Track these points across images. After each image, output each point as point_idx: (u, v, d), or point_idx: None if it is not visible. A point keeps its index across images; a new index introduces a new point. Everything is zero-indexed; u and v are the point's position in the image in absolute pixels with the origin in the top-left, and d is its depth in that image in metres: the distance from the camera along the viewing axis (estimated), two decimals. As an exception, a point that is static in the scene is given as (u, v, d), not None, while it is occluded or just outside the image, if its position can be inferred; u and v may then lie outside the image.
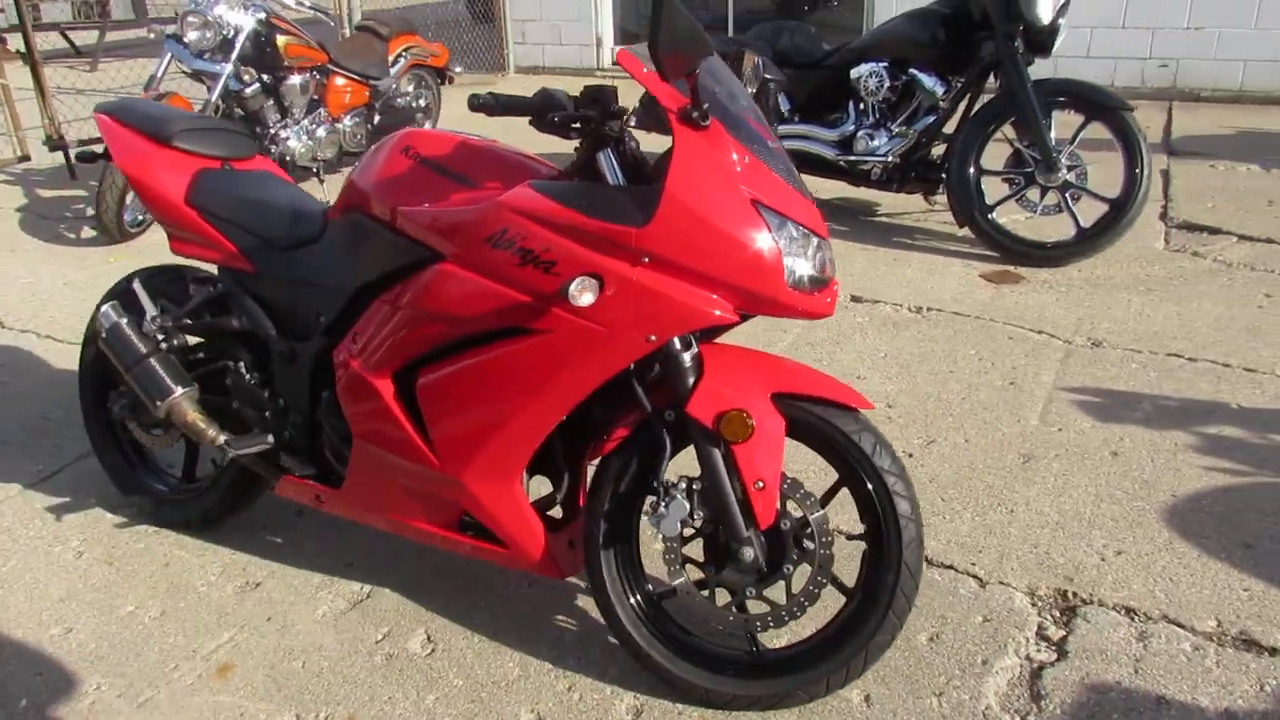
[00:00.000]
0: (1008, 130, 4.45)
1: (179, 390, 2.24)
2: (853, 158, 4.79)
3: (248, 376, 2.27)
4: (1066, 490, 2.64)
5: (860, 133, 4.81)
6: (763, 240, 1.68)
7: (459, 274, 1.83)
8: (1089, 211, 4.29)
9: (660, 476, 1.86)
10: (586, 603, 2.27)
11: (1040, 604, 2.22)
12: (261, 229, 2.21)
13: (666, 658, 1.94)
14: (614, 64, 9.73)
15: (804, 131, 4.98)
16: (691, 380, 1.81)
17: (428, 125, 6.59)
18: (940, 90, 4.59)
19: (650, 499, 1.94)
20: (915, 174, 4.73)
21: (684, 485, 1.85)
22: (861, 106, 4.87)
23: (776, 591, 1.89)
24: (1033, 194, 4.40)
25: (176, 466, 2.69)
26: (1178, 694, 1.95)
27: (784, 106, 5.04)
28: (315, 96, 5.67)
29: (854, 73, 4.80)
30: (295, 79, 5.46)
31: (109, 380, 2.61)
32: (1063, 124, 4.34)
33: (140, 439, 2.54)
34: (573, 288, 1.65)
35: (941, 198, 4.89)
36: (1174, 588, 2.25)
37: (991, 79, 4.52)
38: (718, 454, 1.82)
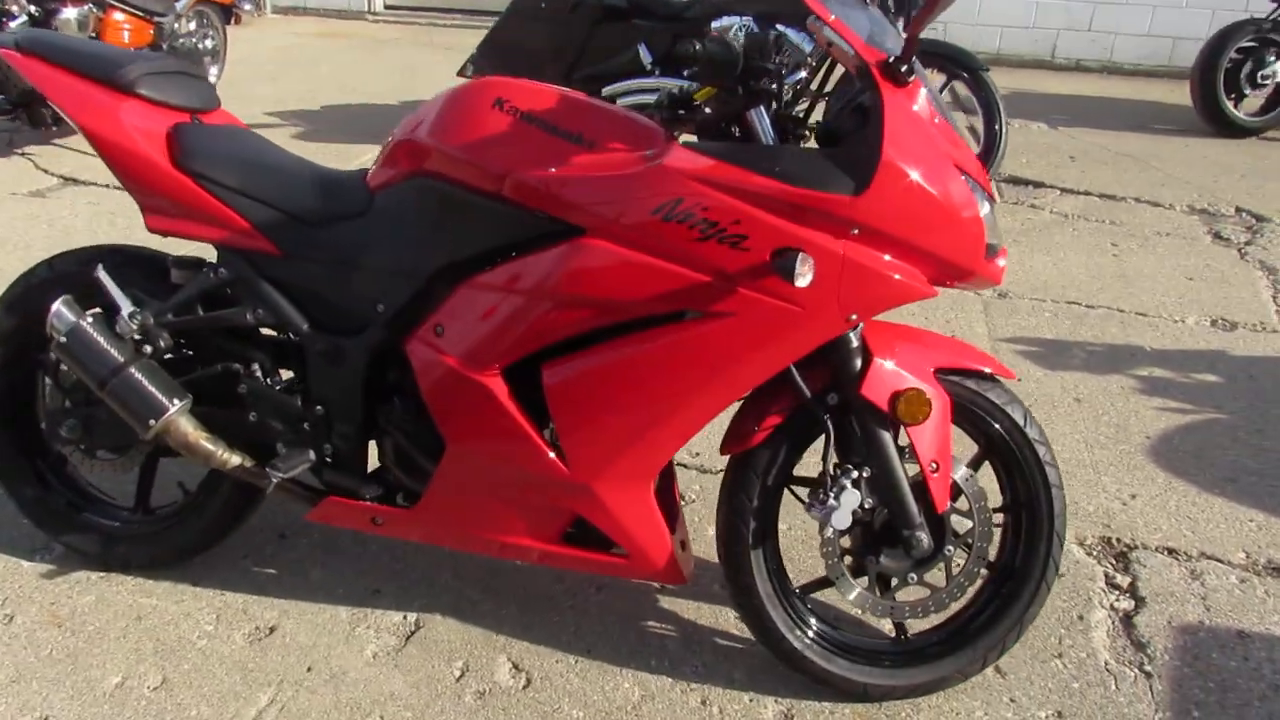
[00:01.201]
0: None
1: (175, 405, 1.79)
2: (724, 114, 4.72)
3: (269, 382, 1.85)
4: (1057, 439, 2.76)
5: (728, 88, 4.75)
6: (970, 208, 1.56)
7: (613, 251, 1.57)
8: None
9: (826, 466, 1.72)
10: (671, 604, 2.08)
11: (1095, 553, 2.30)
12: (284, 201, 1.79)
13: (822, 657, 1.81)
14: (386, 8, 9.07)
15: (669, 85, 4.83)
16: (859, 361, 1.68)
17: (214, 70, 5.80)
18: (808, 46, 4.62)
19: (798, 489, 1.81)
20: (785, 129, 4.74)
21: (854, 473, 1.72)
22: (725, 61, 4.80)
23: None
24: (902, 151, 4.55)
25: (112, 494, 2.18)
26: (1251, 626, 2.09)
27: (645, 59, 4.87)
28: (93, 33, 4.79)
29: (716, 26, 4.73)
30: (70, 12, 4.59)
31: (20, 393, 2.06)
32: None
33: (81, 466, 2.02)
34: (799, 266, 1.45)
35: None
36: (1195, 525, 2.42)
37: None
38: (889, 438, 1.70)
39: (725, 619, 2.05)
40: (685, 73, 1.70)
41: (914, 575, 1.79)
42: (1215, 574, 2.24)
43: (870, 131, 1.52)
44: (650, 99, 4.92)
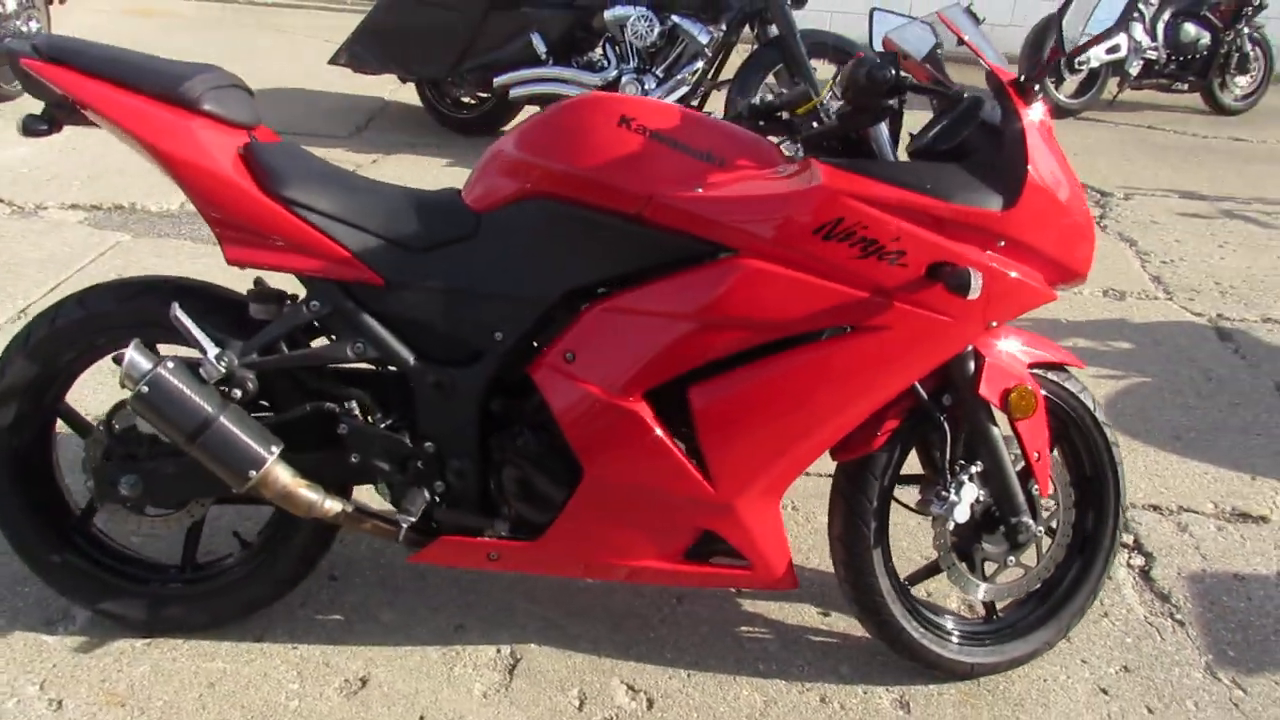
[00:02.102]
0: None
1: (273, 454, 1.65)
2: (625, 103, 4.72)
3: (370, 420, 1.73)
4: (1023, 412, 2.98)
5: (625, 78, 4.75)
6: (1087, 216, 1.68)
7: (772, 271, 1.57)
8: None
9: (944, 464, 1.81)
10: (753, 606, 2.11)
11: (1095, 516, 2.52)
12: (384, 226, 1.67)
13: (935, 643, 1.90)
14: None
15: (565, 76, 4.80)
16: (973, 363, 1.77)
17: (38, 58, 5.19)
18: (704, 38, 4.69)
19: (907, 487, 1.89)
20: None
21: (971, 469, 1.81)
22: (619, 50, 4.80)
23: (1025, 555, 1.94)
24: (800, 138, 4.72)
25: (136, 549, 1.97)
26: (1242, 569, 2.36)
27: (539, 48, 4.79)
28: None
29: (611, 15, 4.71)
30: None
31: (35, 448, 1.83)
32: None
33: (120, 525, 1.82)
34: (973, 280, 1.51)
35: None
36: (1165, 482, 2.69)
37: (747, 29, 4.74)
38: (998, 434, 1.81)
39: (808, 615, 2.11)
40: (836, 93, 1.71)
41: (1012, 558, 1.91)
42: (1197, 525, 2.52)
43: (1009, 147, 1.60)
44: (548, 89, 4.85)
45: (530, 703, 1.84)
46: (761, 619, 2.09)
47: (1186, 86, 6.83)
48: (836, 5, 8.02)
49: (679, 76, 4.72)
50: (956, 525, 1.84)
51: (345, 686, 1.85)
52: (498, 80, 4.86)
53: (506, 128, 5.31)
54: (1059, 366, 1.91)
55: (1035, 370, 1.86)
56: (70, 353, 1.77)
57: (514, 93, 4.88)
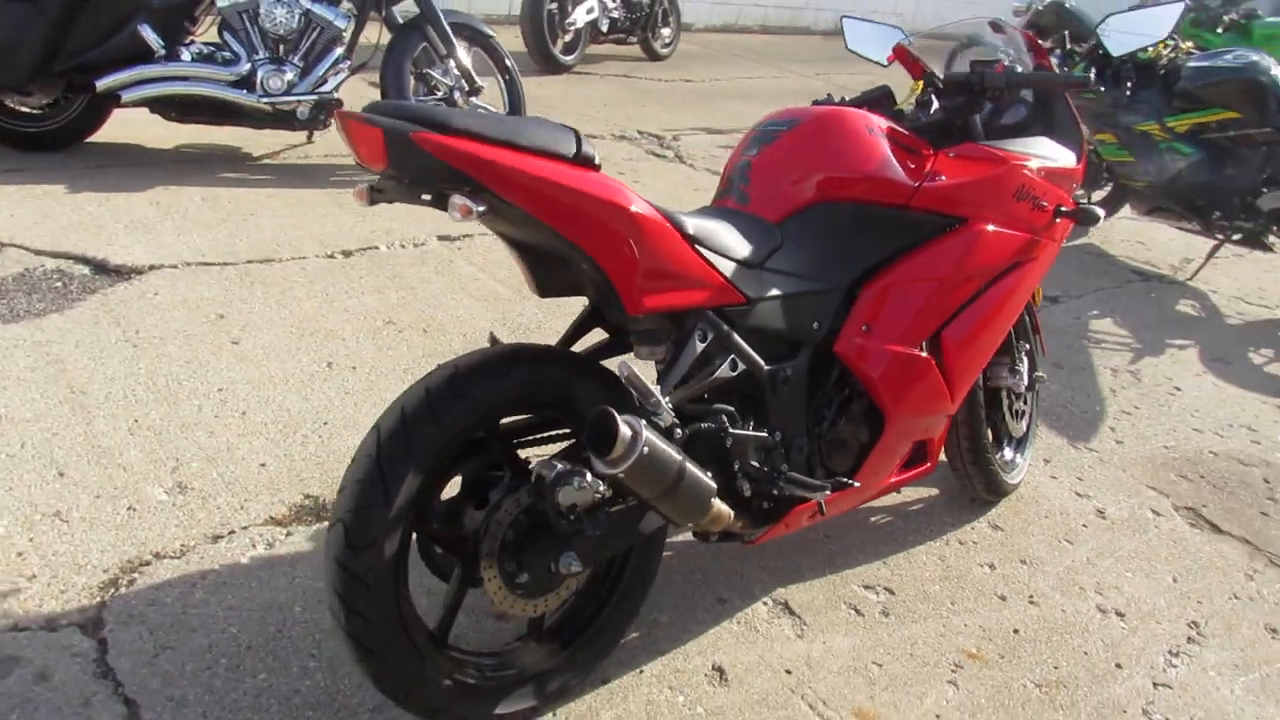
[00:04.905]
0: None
1: (713, 479, 1.76)
2: (275, 98, 4.38)
3: (744, 426, 1.87)
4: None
5: (262, 71, 4.39)
6: (1080, 159, 2.49)
7: (992, 230, 2.12)
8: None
9: (1015, 348, 2.54)
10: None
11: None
12: (732, 248, 1.81)
13: (1008, 476, 2.65)
14: None
15: (191, 73, 4.27)
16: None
17: None
18: (342, 23, 4.53)
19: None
20: (329, 109, 4.62)
21: (1026, 347, 2.57)
22: (243, 40, 4.40)
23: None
24: (451, 117, 4.85)
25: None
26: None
27: (155, 43, 4.16)
28: None
29: (228, 2, 4.30)
30: None
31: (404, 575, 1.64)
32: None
33: (510, 610, 1.72)
34: (1101, 213, 2.22)
35: (323, 133, 4.87)
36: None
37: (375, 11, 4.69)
38: (1026, 318, 2.60)
39: (888, 499, 2.70)
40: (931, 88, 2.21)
41: (1024, 406, 2.73)
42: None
43: (1070, 120, 2.34)
44: (171, 89, 4.31)
45: (828, 626, 2.19)
46: (878, 509, 2.64)
47: (635, 40, 8.16)
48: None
49: (326, 66, 4.49)
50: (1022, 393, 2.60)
51: (712, 678, 2.00)
52: (102, 83, 4.13)
53: (94, 137, 4.48)
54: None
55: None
56: (448, 450, 1.60)
57: (128, 96, 4.19)
